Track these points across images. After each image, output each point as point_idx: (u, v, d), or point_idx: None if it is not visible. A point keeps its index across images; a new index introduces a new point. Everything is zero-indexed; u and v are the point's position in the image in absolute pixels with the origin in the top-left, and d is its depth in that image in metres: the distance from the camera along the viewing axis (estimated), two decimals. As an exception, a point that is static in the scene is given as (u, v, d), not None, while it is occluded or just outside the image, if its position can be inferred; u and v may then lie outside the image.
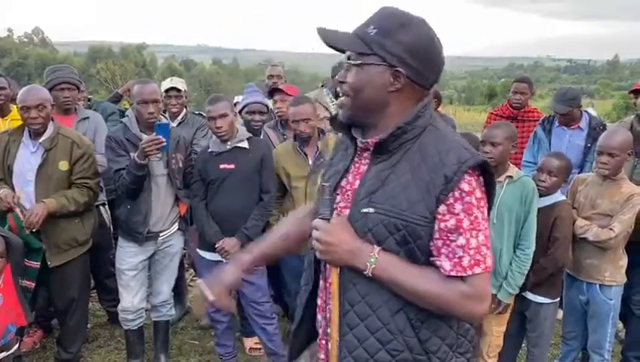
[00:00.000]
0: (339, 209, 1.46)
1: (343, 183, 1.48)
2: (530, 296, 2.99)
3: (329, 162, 1.62)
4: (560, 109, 4.03)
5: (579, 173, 3.86)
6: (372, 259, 1.35)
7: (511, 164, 2.92)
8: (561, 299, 3.15)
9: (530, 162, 4.22)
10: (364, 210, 1.38)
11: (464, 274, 1.31)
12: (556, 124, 4.17)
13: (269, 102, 4.42)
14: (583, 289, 3.05)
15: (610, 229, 2.86)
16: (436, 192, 1.31)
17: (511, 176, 2.85)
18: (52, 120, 3.15)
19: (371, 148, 1.42)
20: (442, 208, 1.31)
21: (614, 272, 2.97)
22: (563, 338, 3.31)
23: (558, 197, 2.98)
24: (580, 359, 3.50)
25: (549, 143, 4.13)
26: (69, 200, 3.04)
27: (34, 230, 2.92)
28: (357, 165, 1.48)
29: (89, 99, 4.61)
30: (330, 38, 1.41)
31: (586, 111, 4.29)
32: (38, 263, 3.03)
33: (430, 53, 1.37)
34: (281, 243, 1.75)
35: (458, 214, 1.31)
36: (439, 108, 4.86)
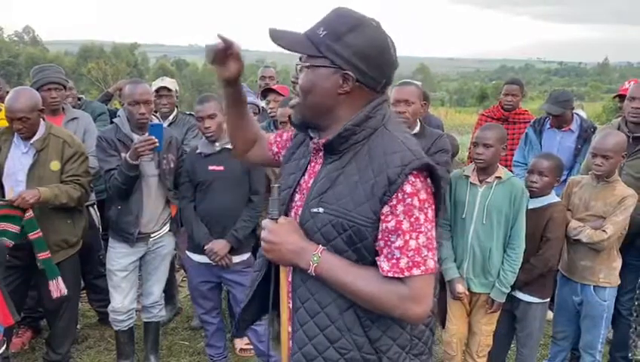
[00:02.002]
0: (296, 207, 1.49)
1: (302, 181, 1.51)
2: (519, 295, 3.01)
3: (289, 156, 1.62)
4: (554, 111, 4.07)
5: (568, 174, 3.91)
6: (315, 258, 1.37)
7: (500, 165, 2.95)
8: (551, 300, 3.18)
9: (520, 162, 4.26)
10: (314, 210, 1.40)
11: (401, 276, 1.31)
12: (547, 125, 4.21)
13: (261, 103, 4.43)
14: (576, 290, 3.08)
15: (603, 231, 2.88)
16: (380, 194, 1.31)
17: (500, 177, 2.88)
18: (43, 119, 3.13)
19: (322, 149, 1.44)
20: (386, 209, 1.32)
21: (608, 274, 3.00)
22: (553, 338, 3.34)
23: (553, 198, 3.01)
24: (568, 359, 3.52)
25: (540, 145, 4.17)
26: (61, 191, 3.01)
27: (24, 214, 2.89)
28: (313, 164, 1.50)
29: (79, 99, 4.59)
30: (280, 38, 1.40)
31: (577, 114, 4.33)
32: (39, 231, 2.96)
33: (379, 56, 1.36)
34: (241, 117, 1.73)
35: (398, 216, 1.31)
36: (429, 110, 4.86)
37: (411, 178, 1.31)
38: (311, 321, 1.44)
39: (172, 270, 4.09)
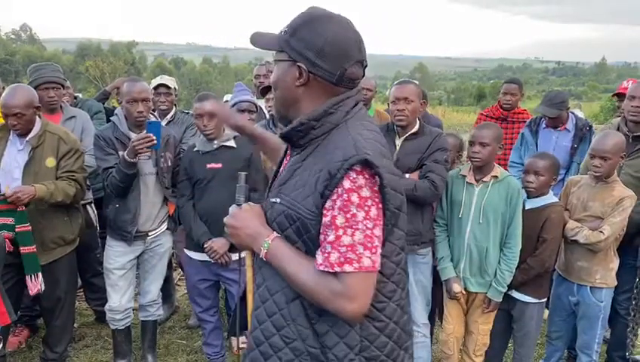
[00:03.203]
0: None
1: (279, 173, 1.59)
2: (516, 294, 3.01)
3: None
4: (550, 113, 4.06)
5: (565, 173, 3.91)
6: (265, 244, 1.42)
7: (496, 164, 2.95)
8: (548, 299, 3.18)
9: (516, 163, 4.25)
10: (272, 200, 1.46)
11: (331, 270, 1.31)
12: (543, 125, 4.21)
13: (260, 102, 4.41)
14: (573, 290, 3.07)
15: (601, 232, 2.88)
16: (321, 188, 1.33)
17: (496, 176, 2.88)
18: (39, 117, 3.12)
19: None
20: (328, 204, 1.33)
21: (605, 274, 2.99)
22: (548, 337, 3.34)
23: (550, 198, 3.00)
24: (565, 358, 3.52)
25: (536, 144, 4.17)
26: (57, 188, 3.00)
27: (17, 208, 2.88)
28: (287, 157, 1.57)
29: (75, 97, 4.58)
30: (255, 40, 1.52)
31: (572, 113, 4.33)
32: (28, 225, 2.95)
33: (332, 48, 1.38)
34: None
35: (334, 210, 1.31)
36: (427, 108, 4.86)
37: (352, 174, 1.30)
38: (262, 307, 1.50)
39: (169, 268, 4.08)
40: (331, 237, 1.31)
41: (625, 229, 2.98)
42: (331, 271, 1.31)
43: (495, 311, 3.00)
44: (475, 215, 2.90)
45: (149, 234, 3.28)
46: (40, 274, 3.01)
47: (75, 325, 3.89)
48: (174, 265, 4.71)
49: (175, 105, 4.25)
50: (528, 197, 2.99)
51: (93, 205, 3.95)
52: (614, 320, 3.37)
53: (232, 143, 3.15)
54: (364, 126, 1.44)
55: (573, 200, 3.08)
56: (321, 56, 1.38)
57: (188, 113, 4.19)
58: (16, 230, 2.90)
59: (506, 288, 2.90)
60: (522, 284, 2.96)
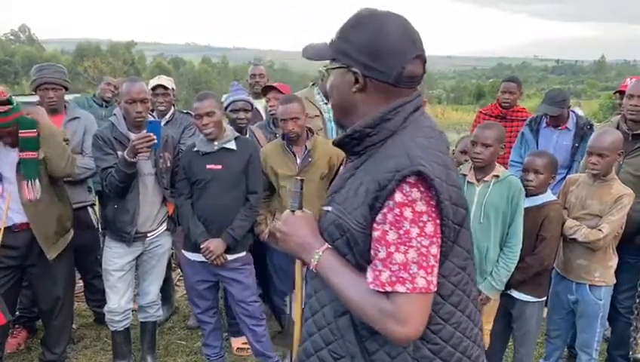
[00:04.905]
0: None
1: None
2: (515, 293, 3.00)
3: None
4: (552, 111, 4.05)
5: (567, 172, 3.89)
6: (316, 256, 1.34)
7: (497, 163, 2.94)
8: (546, 298, 3.17)
9: (516, 162, 4.23)
10: (325, 208, 1.39)
11: (381, 290, 1.22)
12: (543, 124, 4.20)
13: (259, 102, 4.40)
14: (572, 288, 3.07)
15: (599, 230, 2.87)
16: (369, 200, 1.25)
17: (497, 176, 2.87)
18: None
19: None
20: (378, 217, 1.24)
21: (604, 273, 2.99)
22: (547, 336, 3.33)
23: (549, 197, 3.00)
24: (565, 357, 3.51)
25: (537, 143, 4.16)
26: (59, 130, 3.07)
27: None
28: (346, 165, 1.48)
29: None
30: (308, 52, 1.44)
31: (574, 111, 4.32)
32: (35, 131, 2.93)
33: (379, 46, 1.30)
34: None
35: (385, 225, 1.22)
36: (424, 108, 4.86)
37: (406, 187, 1.20)
38: (311, 319, 1.44)
39: (169, 269, 4.08)
40: (382, 254, 1.22)
41: (623, 227, 2.98)
42: (381, 290, 1.22)
43: (495, 311, 2.98)
44: (475, 214, 2.89)
45: (148, 235, 3.26)
46: (37, 181, 2.95)
47: (74, 326, 3.88)
48: (173, 265, 4.70)
49: (173, 105, 4.24)
50: (527, 196, 2.98)
51: (95, 207, 3.95)
52: (615, 319, 3.36)
53: (232, 145, 3.13)
54: (423, 133, 1.34)
55: (571, 199, 3.08)
56: (375, 57, 1.30)
57: (187, 113, 4.19)
58: (20, 135, 2.87)
59: (500, 286, 2.88)
60: (521, 283, 2.95)
